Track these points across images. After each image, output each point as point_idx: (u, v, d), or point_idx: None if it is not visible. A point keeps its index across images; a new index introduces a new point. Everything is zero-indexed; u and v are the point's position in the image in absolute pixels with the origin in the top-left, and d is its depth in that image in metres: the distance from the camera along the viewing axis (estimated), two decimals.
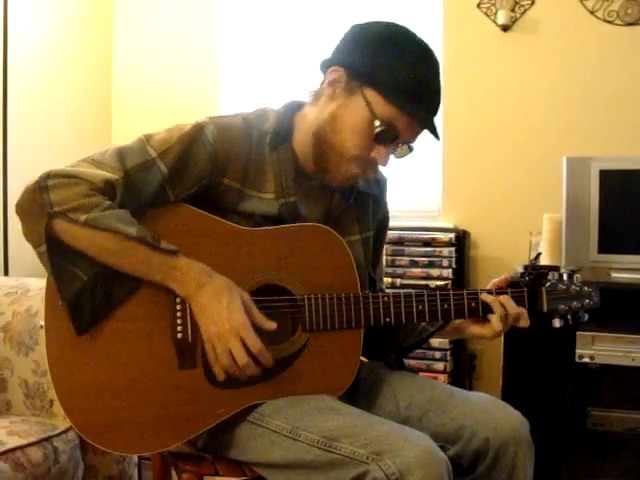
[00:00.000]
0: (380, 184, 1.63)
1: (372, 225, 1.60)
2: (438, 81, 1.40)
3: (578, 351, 2.19)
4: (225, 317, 1.30)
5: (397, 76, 1.35)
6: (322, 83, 1.44)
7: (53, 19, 3.09)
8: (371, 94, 1.36)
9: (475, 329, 1.49)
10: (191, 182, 1.39)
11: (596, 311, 1.54)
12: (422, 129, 1.42)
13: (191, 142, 1.38)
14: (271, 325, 1.35)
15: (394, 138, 1.39)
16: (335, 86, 1.40)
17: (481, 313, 1.45)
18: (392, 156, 1.43)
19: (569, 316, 1.48)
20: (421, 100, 1.37)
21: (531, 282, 1.48)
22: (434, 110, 1.41)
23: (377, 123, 1.37)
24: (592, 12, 2.72)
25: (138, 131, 1.44)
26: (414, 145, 1.45)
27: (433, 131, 1.41)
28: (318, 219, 1.48)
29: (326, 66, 1.43)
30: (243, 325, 1.30)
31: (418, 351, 2.60)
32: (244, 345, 1.30)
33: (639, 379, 2.22)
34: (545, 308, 1.47)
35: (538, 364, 2.34)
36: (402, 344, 1.59)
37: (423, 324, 1.55)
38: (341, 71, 1.39)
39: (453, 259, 2.67)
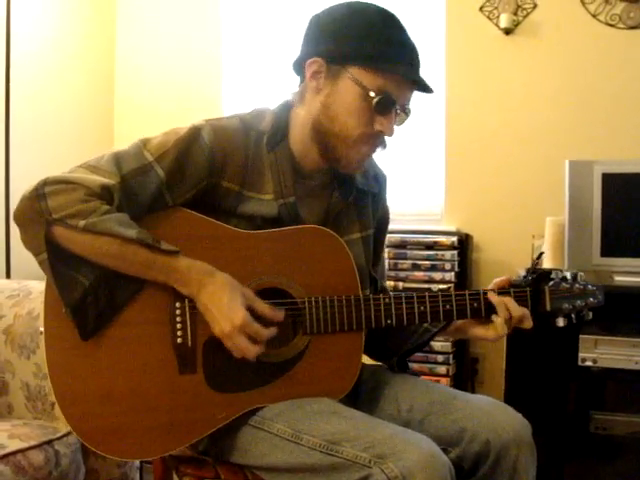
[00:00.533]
0: (379, 181, 1.62)
1: (372, 223, 1.59)
2: (409, 37, 1.42)
3: (581, 354, 2.18)
4: (226, 315, 1.31)
5: (371, 45, 1.36)
6: (302, 81, 1.45)
7: (56, 20, 3.09)
8: (355, 71, 1.37)
9: (478, 330, 1.48)
10: (189, 185, 1.38)
11: (599, 314, 1.54)
12: (413, 85, 1.42)
13: (188, 145, 1.38)
14: (279, 315, 1.36)
15: (392, 104, 1.39)
16: (317, 77, 1.40)
17: (484, 314, 1.45)
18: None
19: (573, 315, 1.47)
20: (401, 57, 1.38)
21: (534, 281, 1.47)
22: (417, 63, 1.42)
23: (372, 94, 1.37)
24: (594, 15, 2.72)
25: (141, 132, 1.44)
26: (410, 108, 1.44)
27: (424, 85, 1.41)
28: (317, 219, 1.48)
29: (299, 64, 1.44)
30: (243, 322, 1.31)
31: (420, 354, 2.60)
32: (251, 337, 1.32)
33: None
34: (548, 307, 1.46)
35: (541, 368, 2.33)
36: (404, 346, 1.59)
37: (425, 325, 1.54)
38: (319, 61, 1.39)
39: (456, 262, 2.66)
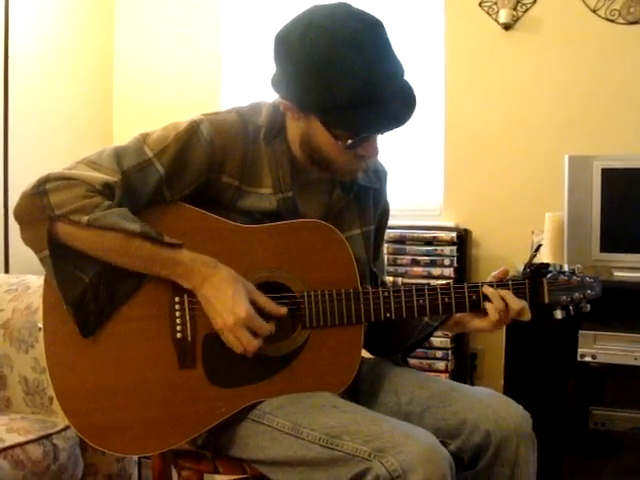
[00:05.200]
0: (380, 177, 1.62)
1: (373, 219, 1.59)
2: (382, 63, 1.30)
3: (580, 350, 2.18)
4: (229, 309, 1.31)
5: (335, 97, 1.29)
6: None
7: (54, 17, 3.07)
8: (322, 120, 1.35)
9: (476, 323, 1.48)
10: (189, 181, 1.38)
11: (598, 309, 1.54)
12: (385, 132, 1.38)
13: (187, 140, 1.37)
14: (282, 310, 1.36)
15: (367, 139, 1.38)
16: (292, 112, 1.39)
17: (482, 306, 1.45)
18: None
19: (571, 307, 1.47)
20: (371, 104, 1.30)
21: (532, 274, 1.47)
22: (386, 105, 1.31)
23: (341, 144, 1.36)
24: (594, 11, 2.71)
25: (139, 129, 1.44)
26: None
27: (395, 121, 1.34)
28: (318, 214, 1.48)
29: (273, 88, 1.41)
30: (247, 315, 1.31)
31: (419, 350, 2.60)
32: (252, 331, 1.32)
33: None
34: (546, 299, 1.46)
35: (540, 363, 2.33)
36: (406, 342, 1.58)
37: (426, 320, 1.54)
38: (288, 104, 1.38)
39: (455, 258, 2.66)
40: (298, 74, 1.32)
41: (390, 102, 1.32)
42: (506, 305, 1.43)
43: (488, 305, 1.43)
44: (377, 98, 1.30)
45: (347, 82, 1.28)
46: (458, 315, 1.50)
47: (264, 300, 1.36)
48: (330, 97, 1.30)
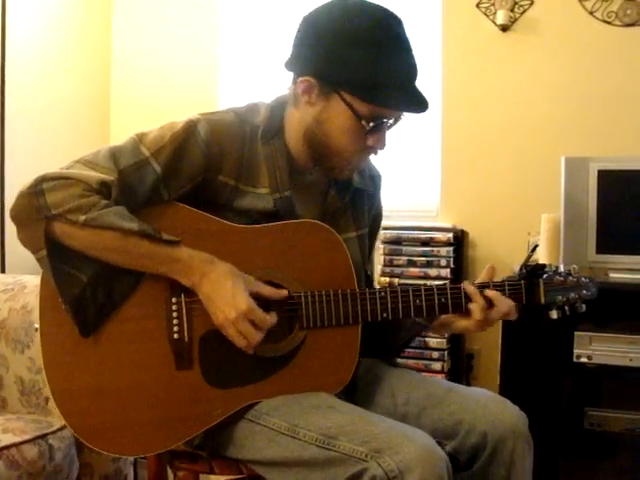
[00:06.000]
0: (375, 180, 1.63)
1: (367, 222, 1.59)
2: (407, 53, 1.39)
3: (576, 351, 2.19)
4: (230, 303, 1.31)
5: (364, 73, 1.34)
6: (295, 85, 1.42)
7: (52, 18, 3.07)
8: (347, 96, 1.36)
9: (460, 323, 1.47)
10: (185, 180, 1.38)
11: (594, 311, 1.54)
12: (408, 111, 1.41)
13: (184, 140, 1.37)
14: (282, 292, 1.37)
15: (385, 125, 1.40)
16: (310, 93, 1.39)
17: (464, 306, 1.44)
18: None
19: (567, 307, 1.48)
20: (396, 86, 1.36)
21: (528, 274, 1.47)
22: (412, 87, 1.39)
23: (364, 122, 1.37)
24: (591, 13, 2.72)
25: (137, 129, 1.43)
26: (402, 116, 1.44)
27: (423, 107, 1.39)
28: (314, 216, 1.48)
29: (291, 66, 1.42)
30: (248, 307, 1.31)
31: (416, 351, 2.60)
32: (254, 324, 1.32)
33: (637, 379, 2.21)
34: (542, 300, 1.46)
35: (536, 364, 2.33)
36: (398, 343, 1.59)
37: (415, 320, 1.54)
38: (311, 80, 1.38)
39: (451, 259, 2.66)
40: (335, 48, 1.34)
41: (414, 89, 1.39)
42: (493, 305, 1.42)
43: (470, 305, 1.43)
44: (408, 81, 1.38)
45: (387, 61, 1.34)
46: (443, 317, 1.49)
47: (263, 288, 1.36)
48: (368, 72, 1.33)
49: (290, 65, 1.43)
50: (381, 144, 1.42)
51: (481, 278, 1.48)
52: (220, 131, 1.40)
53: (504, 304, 1.43)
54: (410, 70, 1.39)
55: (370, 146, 1.41)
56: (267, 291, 1.37)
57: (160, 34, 3.33)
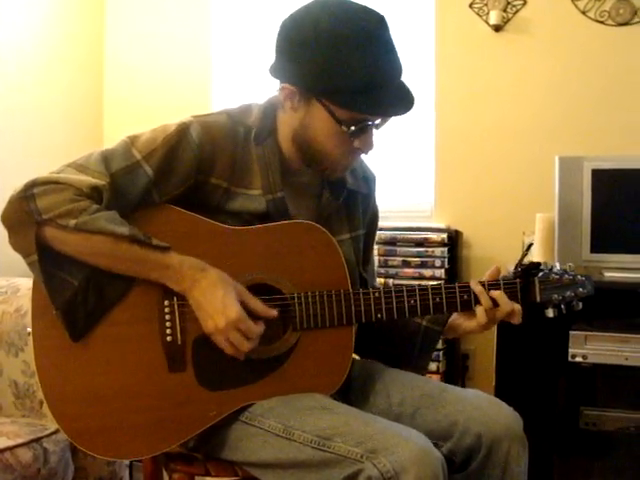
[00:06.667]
0: (369, 182, 1.62)
1: (362, 224, 1.59)
2: (388, 52, 1.35)
3: (571, 350, 2.19)
4: (220, 311, 1.30)
5: (343, 81, 1.32)
6: (279, 90, 1.41)
7: (44, 17, 3.06)
8: (327, 102, 1.35)
9: (466, 325, 1.48)
10: (177, 183, 1.38)
11: (589, 310, 1.54)
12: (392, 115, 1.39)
13: (176, 143, 1.37)
14: (272, 312, 1.36)
15: (368, 128, 1.39)
16: (292, 100, 1.39)
17: (474, 306, 1.44)
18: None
19: (563, 305, 1.47)
20: (378, 90, 1.33)
21: (523, 273, 1.47)
22: (395, 91, 1.36)
23: (344, 127, 1.36)
24: (584, 12, 2.72)
25: (130, 130, 1.44)
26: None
27: (404, 107, 1.37)
28: (307, 218, 1.47)
29: (274, 75, 1.41)
30: (238, 317, 1.31)
31: None
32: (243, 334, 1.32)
33: (632, 378, 2.22)
34: (538, 298, 1.46)
35: (531, 364, 2.33)
36: (413, 350, 1.57)
37: (424, 324, 1.53)
38: (291, 88, 1.37)
39: (446, 259, 2.66)
40: (309, 55, 1.33)
41: (398, 87, 1.37)
42: (497, 305, 1.43)
43: (477, 308, 1.43)
44: (388, 81, 1.35)
45: (363, 64, 1.31)
46: (451, 320, 1.50)
47: (254, 302, 1.36)
48: (344, 77, 1.32)
49: (272, 71, 1.42)
50: (368, 146, 1.41)
51: (485, 278, 1.47)
52: (212, 133, 1.39)
53: (508, 305, 1.43)
54: (389, 69, 1.35)
55: (357, 148, 1.41)
56: (255, 304, 1.35)
57: (153, 34, 3.33)
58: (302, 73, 1.35)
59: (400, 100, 1.36)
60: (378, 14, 1.37)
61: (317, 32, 1.32)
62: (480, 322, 1.43)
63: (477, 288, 1.43)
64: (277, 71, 1.40)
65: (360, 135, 1.38)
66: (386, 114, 1.38)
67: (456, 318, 1.50)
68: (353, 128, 1.36)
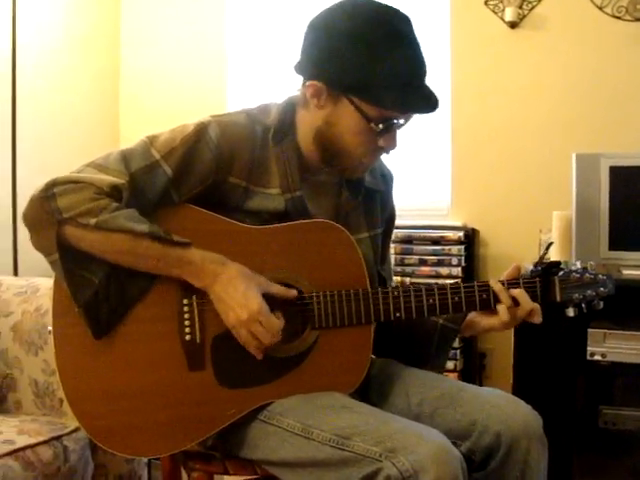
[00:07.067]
0: (387, 180, 1.62)
1: (380, 222, 1.59)
2: (415, 52, 1.37)
3: (589, 349, 2.17)
4: (242, 303, 1.31)
5: (372, 77, 1.33)
6: (304, 88, 1.42)
7: (61, 22, 3.08)
8: (356, 100, 1.36)
9: (486, 322, 1.48)
10: (196, 183, 1.39)
11: (608, 308, 1.53)
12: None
13: (195, 143, 1.37)
14: (292, 292, 1.37)
15: (395, 126, 1.40)
16: (318, 97, 1.39)
17: (493, 305, 1.44)
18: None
19: (583, 305, 1.47)
20: (408, 88, 1.35)
21: (543, 272, 1.47)
22: (423, 90, 1.38)
23: (373, 125, 1.37)
24: (601, 8, 2.70)
25: (146, 131, 1.44)
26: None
27: (432, 106, 1.38)
28: (326, 217, 1.47)
29: (300, 73, 1.42)
30: (260, 309, 1.32)
31: None
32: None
33: None
34: (558, 297, 1.46)
35: (549, 362, 2.32)
36: (430, 349, 1.57)
37: (441, 322, 1.53)
38: (318, 85, 1.38)
39: (462, 257, 2.66)
40: (340, 52, 1.34)
41: (425, 87, 1.38)
42: (517, 304, 1.42)
43: (499, 306, 1.43)
44: (416, 80, 1.37)
45: (393, 62, 1.33)
46: (469, 317, 1.50)
47: (276, 288, 1.37)
48: (375, 74, 1.33)
49: (298, 69, 1.43)
50: (392, 144, 1.42)
51: (505, 277, 1.47)
52: (231, 133, 1.40)
53: (529, 303, 1.42)
54: (418, 68, 1.38)
55: (381, 146, 1.41)
56: (276, 289, 1.37)
57: (167, 36, 3.34)
58: (332, 70, 1.36)
59: (428, 99, 1.37)
60: (404, 14, 1.39)
61: (348, 30, 1.34)
62: (503, 320, 1.43)
63: (497, 286, 1.43)
64: (304, 69, 1.41)
65: (385, 134, 1.39)
66: (415, 111, 1.39)
67: (475, 316, 1.50)
68: (381, 126, 1.37)
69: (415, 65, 1.38)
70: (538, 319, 1.44)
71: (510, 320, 1.43)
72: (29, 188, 1.33)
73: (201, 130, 1.38)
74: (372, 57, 1.33)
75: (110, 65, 3.39)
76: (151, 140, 1.39)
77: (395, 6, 1.39)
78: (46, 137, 2.99)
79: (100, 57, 3.33)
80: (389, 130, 1.39)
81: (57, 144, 3.03)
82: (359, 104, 1.36)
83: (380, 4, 1.38)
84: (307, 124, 1.44)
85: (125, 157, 1.35)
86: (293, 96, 1.48)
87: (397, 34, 1.35)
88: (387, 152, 1.45)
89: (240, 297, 1.31)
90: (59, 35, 3.08)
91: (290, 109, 1.46)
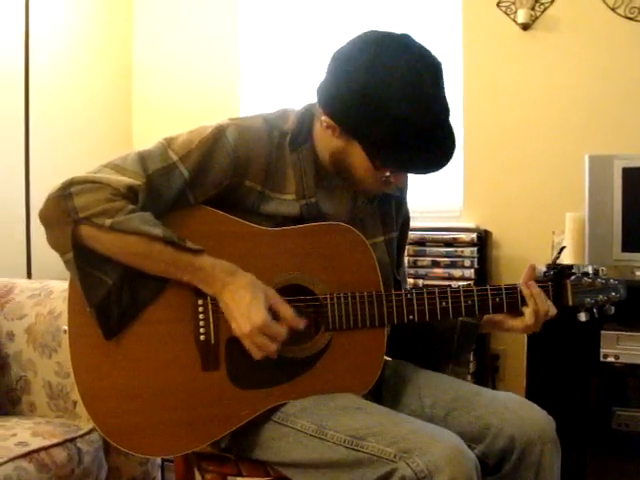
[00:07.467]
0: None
1: (395, 226, 1.59)
2: (436, 110, 1.34)
3: (603, 350, 2.17)
4: (245, 315, 1.31)
5: (390, 134, 1.32)
6: (320, 114, 1.41)
7: (74, 24, 3.11)
8: (369, 152, 1.36)
9: (508, 322, 1.47)
10: (212, 185, 1.39)
11: (621, 310, 1.52)
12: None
13: (212, 145, 1.38)
14: (300, 322, 1.36)
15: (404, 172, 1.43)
16: (332, 130, 1.39)
17: (506, 309, 1.44)
18: None
19: (595, 309, 1.47)
20: (422, 151, 1.34)
21: (555, 276, 1.46)
22: (437, 144, 1.36)
23: (380, 173, 1.39)
24: (613, 9, 2.70)
25: (159, 133, 1.45)
26: None
27: (440, 166, 1.37)
28: (343, 219, 1.48)
29: (319, 97, 1.40)
30: (263, 323, 1.31)
31: None
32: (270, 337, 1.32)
33: None
34: (570, 302, 1.46)
35: (562, 364, 2.31)
36: (451, 346, 1.57)
37: (460, 319, 1.53)
38: (332, 123, 1.37)
39: (475, 259, 2.65)
40: (353, 100, 1.32)
41: (435, 148, 1.35)
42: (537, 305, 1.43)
43: (525, 309, 1.43)
44: (424, 143, 1.33)
45: (405, 122, 1.30)
46: (489, 316, 1.49)
47: (285, 309, 1.35)
48: (380, 132, 1.32)
49: (319, 93, 1.41)
50: (402, 183, 1.47)
51: (523, 279, 1.47)
52: (248, 137, 1.40)
53: (545, 304, 1.43)
54: (434, 128, 1.34)
55: (392, 182, 1.42)
56: (286, 313, 1.35)
57: (180, 39, 3.36)
58: (345, 115, 1.35)
59: (438, 158, 1.36)
60: (435, 61, 1.35)
61: (366, 79, 1.31)
62: (527, 323, 1.43)
63: (525, 291, 1.44)
64: (321, 97, 1.39)
65: (396, 174, 1.41)
66: (418, 172, 1.40)
67: (500, 316, 1.49)
68: (388, 174, 1.39)
69: (429, 121, 1.33)
70: (553, 312, 1.44)
71: (533, 323, 1.43)
72: (43, 190, 1.34)
73: (219, 133, 1.39)
74: (384, 113, 1.29)
75: (123, 65, 3.41)
76: (169, 142, 1.39)
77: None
78: (59, 137, 3.01)
79: (113, 57, 3.35)
80: (399, 173, 1.41)
81: (70, 145, 3.05)
82: (369, 153, 1.36)
83: (409, 47, 1.35)
84: (323, 140, 1.44)
85: (143, 158, 1.36)
86: (312, 103, 1.47)
87: (417, 92, 1.31)
88: (398, 187, 1.48)
89: (244, 309, 1.31)
90: (72, 35, 3.10)
91: (308, 117, 1.46)
